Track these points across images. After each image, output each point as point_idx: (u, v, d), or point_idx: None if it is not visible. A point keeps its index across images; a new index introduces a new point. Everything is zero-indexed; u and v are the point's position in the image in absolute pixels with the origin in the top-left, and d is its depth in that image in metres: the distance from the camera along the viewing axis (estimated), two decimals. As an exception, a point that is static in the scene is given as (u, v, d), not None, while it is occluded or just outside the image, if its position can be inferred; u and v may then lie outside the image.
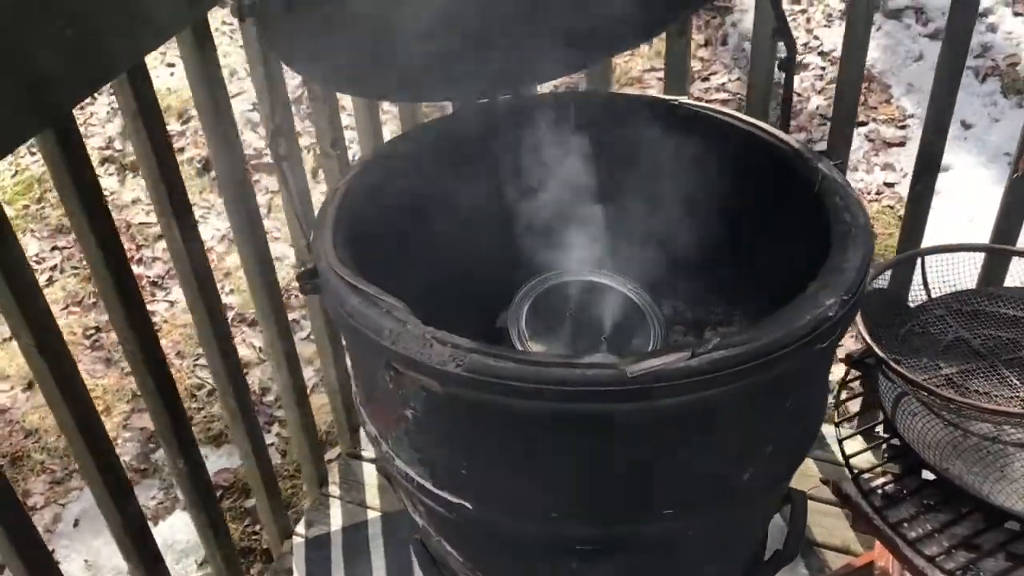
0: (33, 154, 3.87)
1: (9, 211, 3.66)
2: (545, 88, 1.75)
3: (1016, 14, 3.84)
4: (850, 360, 1.45)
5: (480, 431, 1.07)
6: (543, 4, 1.33)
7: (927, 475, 1.30)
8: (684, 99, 1.46)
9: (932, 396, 1.27)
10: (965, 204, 3.10)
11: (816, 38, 4.02)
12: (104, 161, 3.88)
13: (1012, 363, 1.37)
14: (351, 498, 2.12)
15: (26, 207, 3.70)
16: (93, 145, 3.98)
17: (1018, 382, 1.35)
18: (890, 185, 3.38)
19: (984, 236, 1.80)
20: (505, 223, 1.39)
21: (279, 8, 1.08)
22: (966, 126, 3.50)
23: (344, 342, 1.30)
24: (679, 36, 1.83)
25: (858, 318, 1.35)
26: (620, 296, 1.33)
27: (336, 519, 2.07)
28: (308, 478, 2.15)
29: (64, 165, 1.25)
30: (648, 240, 1.36)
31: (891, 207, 3.31)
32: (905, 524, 1.25)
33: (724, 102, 3.78)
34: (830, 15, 4.07)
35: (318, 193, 1.69)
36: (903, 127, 3.59)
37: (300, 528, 2.06)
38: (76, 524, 2.69)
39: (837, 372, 1.58)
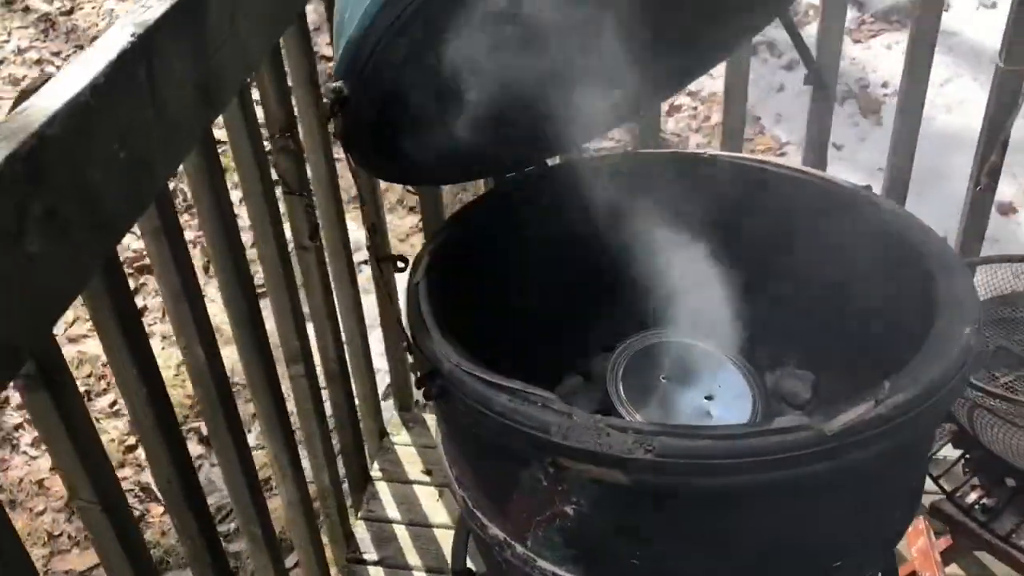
0: None
1: None
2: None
3: (856, 41, 4.17)
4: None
5: (662, 516, 1.02)
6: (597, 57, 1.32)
7: (1009, 482, 1.35)
8: (774, 159, 1.48)
9: (1016, 404, 1.32)
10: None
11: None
12: None
13: (1059, 363, 1.46)
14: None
15: None
16: None
17: (1070, 381, 1.43)
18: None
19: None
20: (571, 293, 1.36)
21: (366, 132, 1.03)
22: (837, 147, 3.74)
23: (453, 448, 1.22)
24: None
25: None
26: (707, 355, 1.32)
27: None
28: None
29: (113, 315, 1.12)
30: (728, 301, 1.35)
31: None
32: (1014, 535, 1.29)
33: (608, 150, 3.88)
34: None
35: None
36: (782, 154, 3.79)
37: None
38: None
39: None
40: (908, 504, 1.15)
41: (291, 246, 1.73)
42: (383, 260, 1.11)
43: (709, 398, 1.27)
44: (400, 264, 1.13)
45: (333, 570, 2.06)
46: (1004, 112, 1.78)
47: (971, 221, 1.91)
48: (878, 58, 4.12)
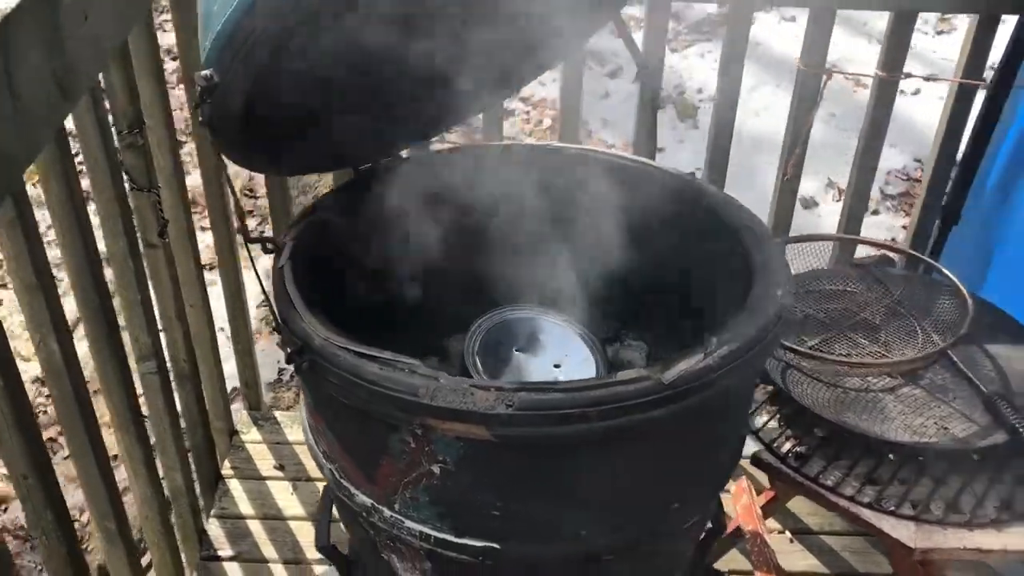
0: None
1: None
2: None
3: (672, 50, 4.44)
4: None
5: (522, 467, 1.12)
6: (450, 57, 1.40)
7: (817, 432, 1.53)
8: (621, 152, 1.61)
9: (822, 362, 1.51)
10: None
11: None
12: None
13: (854, 327, 1.65)
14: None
15: None
16: None
17: (865, 342, 1.63)
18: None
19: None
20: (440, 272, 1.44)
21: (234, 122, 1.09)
22: (659, 149, 3.98)
23: (320, 422, 1.27)
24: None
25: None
26: (555, 327, 1.43)
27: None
28: (172, 593, 1.99)
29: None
30: (582, 275, 1.47)
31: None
32: (821, 475, 1.47)
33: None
34: (519, 64, 4.43)
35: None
36: (610, 157, 4.00)
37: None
38: None
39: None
40: (735, 449, 1.30)
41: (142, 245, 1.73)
42: (253, 242, 1.16)
43: (557, 366, 1.38)
44: (269, 246, 1.18)
45: (188, 570, 2.05)
46: (805, 108, 1.99)
47: (779, 208, 2.12)
48: (693, 66, 4.42)
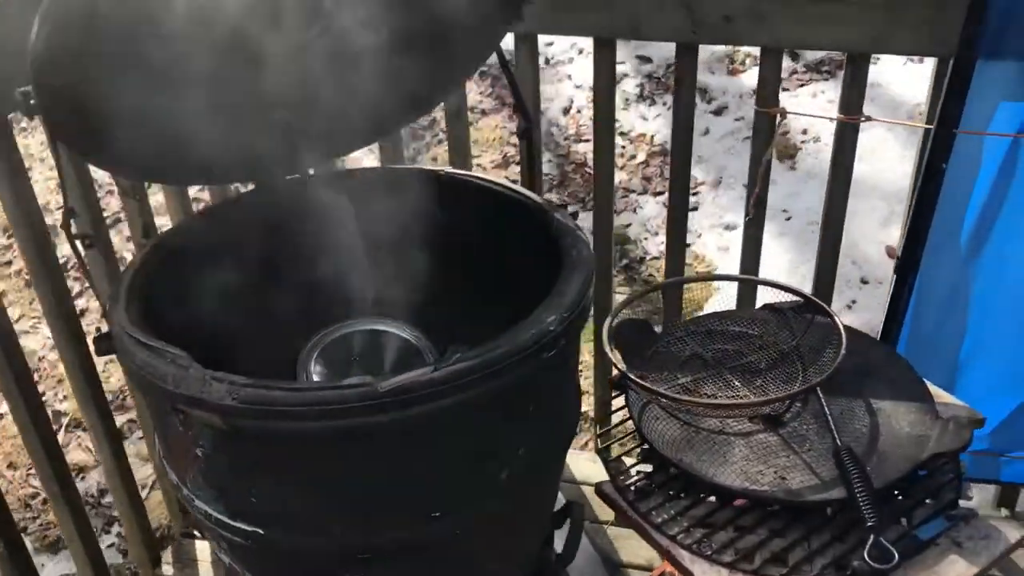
0: None
1: None
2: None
3: (784, 89, 4.34)
4: (611, 382, 1.68)
5: (261, 458, 1.22)
6: (318, 88, 1.52)
7: (674, 471, 1.51)
8: (448, 169, 1.69)
9: (663, 398, 1.50)
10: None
11: (616, 120, 4.40)
12: (-75, 279, 3.84)
13: (735, 369, 1.62)
14: (184, 575, 2.18)
15: None
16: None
17: (739, 384, 1.59)
18: (687, 245, 3.72)
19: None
20: (287, 290, 1.56)
21: (63, 113, 1.25)
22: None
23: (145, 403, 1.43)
24: (457, 119, 2.08)
25: (609, 344, 1.58)
26: (398, 339, 1.51)
27: (171, 598, 2.13)
28: (140, 561, 2.20)
29: None
30: (423, 287, 1.55)
31: (688, 263, 3.65)
32: (653, 512, 1.45)
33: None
34: (627, 99, 4.48)
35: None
36: (695, 194, 3.97)
37: (134, 609, 2.11)
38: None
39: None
40: (512, 468, 1.32)
41: None
42: (78, 237, 1.32)
43: (392, 370, 1.46)
44: (87, 241, 1.35)
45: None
46: (761, 147, 1.97)
47: (743, 249, 2.09)
48: (802, 106, 4.29)
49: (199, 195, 3.35)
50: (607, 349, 1.57)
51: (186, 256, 1.48)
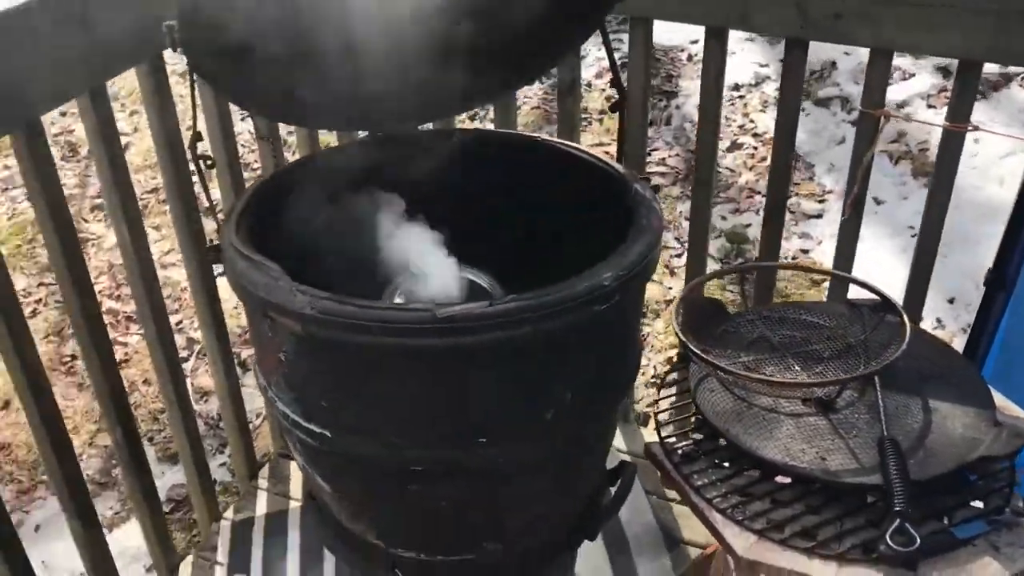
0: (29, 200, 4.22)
1: (3, 249, 4.00)
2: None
3: (929, 106, 4.23)
4: (678, 355, 1.75)
5: (332, 366, 1.36)
6: (444, 39, 1.64)
7: (721, 441, 1.58)
8: (546, 136, 1.80)
9: (720, 371, 1.56)
10: (869, 270, 3.43)
11: (752, 121, 4.40)
12: (94, 208, 4.23)
13: (799, 355, 1.66)
14: (278, 490, 2.38)
15: (19, 246, 4.03)
16: (88, 194, 4.34)
17: (799, 368, 1.63)
18: (805, 251, 3.70)
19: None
20: (381, 232, 1.69)
21: (204, 47, 1.42)
22: (878, 202, 3.85)
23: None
24: (569, 94, 2.18)
25: (675, 318, 1.66)
26: (476, 286, 1.63)
27: (262, 507, 2.33)
28: (240, 472, 2.42)
29: (33, 167, 1.58)
30: (506, 245, 1.67)
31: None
32: (695, 476, 1.52)
33: (663, 174, 4.14)
34: (766, 102, 4.46)
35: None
36: (822, 201, 3.94)
37: (229, 513, 2.32)
38: (37, 529, 2.93)
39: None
40: (558, 408, 1.42)
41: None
42: (201, 158, 1.50)
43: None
44: (208, 162, 1.52)
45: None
46: (863, 148, 1.99)
47: (838, 247, 2.11)
48: (948, 125, 4.17)
49: (326, 138, 3.57)
50: (673, 320, 1.64)
51: (295, 190, 1.64)
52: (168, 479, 3.05)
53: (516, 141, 1.79)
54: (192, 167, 1.54)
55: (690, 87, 4.59)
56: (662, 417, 1.64)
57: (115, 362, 1.88)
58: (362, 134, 1.91)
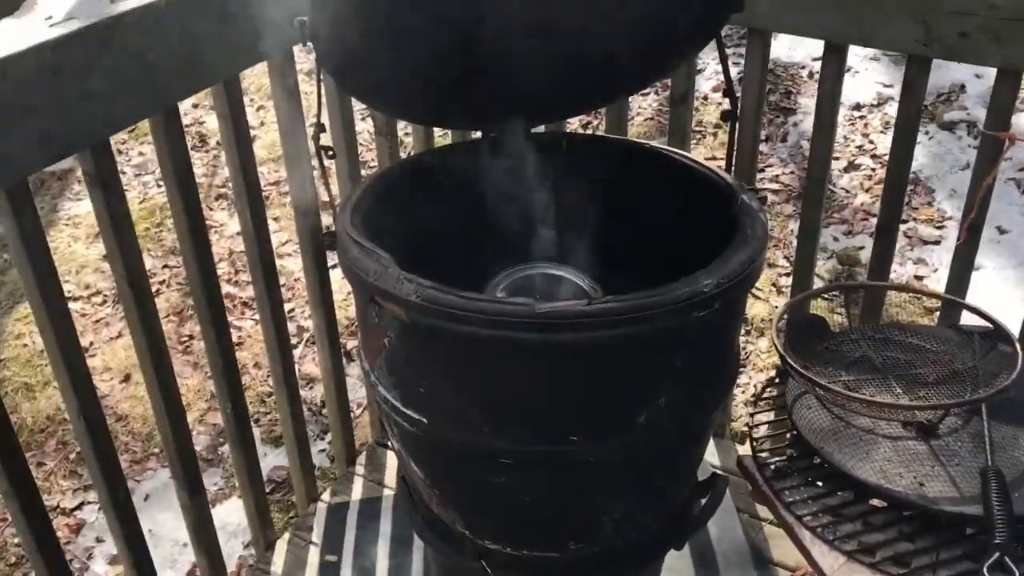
0: (159, 186, 4.44)
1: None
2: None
3: (1067, 133, 4.04)
4: (777, 369, 1.74)
5: (432, 354, 1.40)
6: (561, 43, 1.67)
7: (816, 459, 1.56)
8: (656, 144, 1.81)
9: (819, 388, 1.54)
10: (985, 299, 3.30)
11: (871, 142, 4.30)
12: (219, 197, 4.42)
13: (901, 377, 1.62)
14: (373, 478, 2.45)
15: (147, 229, 4.25)
16: (215, 183, 4.54)
17: (901, 391, 1.60)
18: (920, 278, 3.59)
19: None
20: (487, 230, 1.74)
21: (331, 43, 1.49)
22: (1002, 231, 3.70)
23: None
24: (681, 103, 2.19)
25: (776, 333, 1.65)
26: (576, 286, 1.65)
27: (357, 492, 2.40)
28: (339, 457, 2.50)
29: (167, 147, 1.68)
30: (607, 247, 1.69)
31: (918, 298, 3.52)
32: (786, 491, 1.51)
33: (775, 191, 4.08)
34: (887, 123, 4.35)
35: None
36: (940, 227, 3.81)
37: (326, 496, 2.40)
38: (146, 499, 3.08)
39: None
40: (650, 412, 1.42)
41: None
42: (323, 148, 1.57)
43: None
44: (330, 152, 1.58)
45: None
46: (984, 171, 1.93)
47: (951, 272, 2.05)
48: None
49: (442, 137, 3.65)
50: (774, 334, 1.63)
51: (409, 184, 1.69)
52: (270, 461, 3.17)
53: (624, 147, 1.81)
54: (314, 159, 1.61)
55: (809, 105, 4.50)
56: (757, 432, 1.62)
57: (231, 341, 1.97)
58: (475, 135, 1.96)
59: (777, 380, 1.73)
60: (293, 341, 3.58)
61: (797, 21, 1.92)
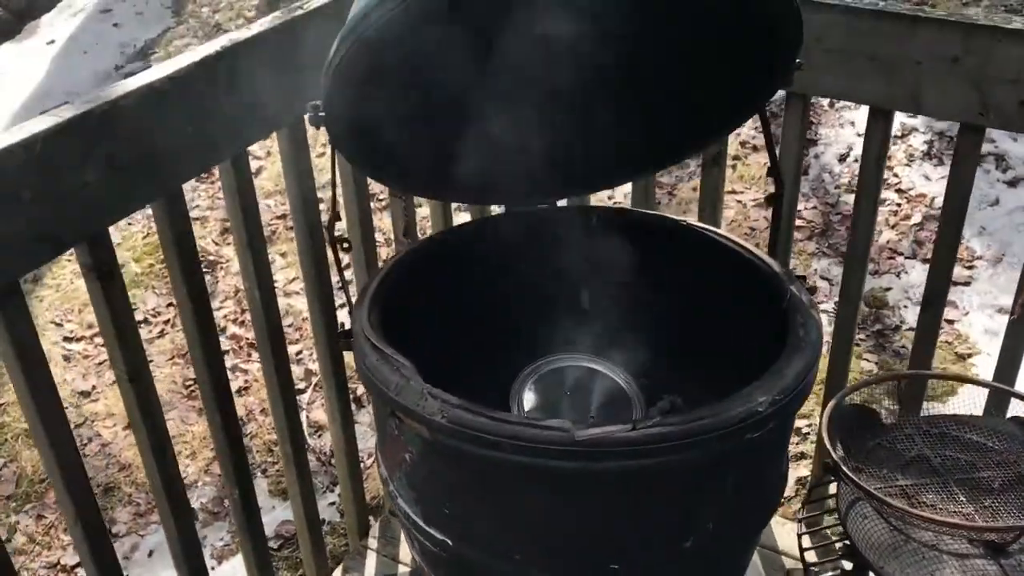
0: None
1: (136, 268, 4.11)
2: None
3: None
4: (825, 466, 1.61)
5: (458, 475, 1.29)
6: (590, 117, 1.56)
7: (870, 574, 1.44)
8: (689, 220, 1.69)
9: (875, 500, 1.42)
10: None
11: (896, 176, 4.17)
12: (224, 231, 4.31)
13: (964, 482, 1.50)
14: (387, 552, 2.33)
15: (151, 265, 4.14)
16: (217, 217, 4.43)
17: (965, 499, 1.48)
18: (950, 322, 3.46)
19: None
20: (514, 315, 1.62)
21: (345, 126, 1.38)
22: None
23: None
24: (714, 165, 2.06)
25: (826, 427, 1.52)
26: (610, 382, 1.54)
27: (370, 568, 2.28)
28: (351, 529, 2.38)
29: (171, 232, 1.56)
30: (643, 334, 1.57)
31: (948, 342, 3.39)
32: (844, 616, 1.39)
33: (798, 228, 3.96)
34: (912, 155, 4.22)
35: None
36: (970, 267, 3.68)
37: (338, 572, 2.28)
38: (150, 554, 2.97)
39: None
40: (698, 537, 1.31)
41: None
42: (339, 240, 1.45)
43: (599, 410, 1.50)
44: (345, 245, 1.47)
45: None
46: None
47: (1003, 350, 1.92)
48: None
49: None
50: (824, 434, 1.51)
51: (427, 272, 1.58)
52: (278, 514, 3.05)
53: (657, 223, 1.69)
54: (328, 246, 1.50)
55: (830, 135, 4.38)
56: (807, 542, 1.50)
57: (231, 396, 1.83)
58: (497, 209, 1.84)
59: (828, 479, 1.60)
60: (301, 385, 3.47)
61: (843, 84, 1.80)
